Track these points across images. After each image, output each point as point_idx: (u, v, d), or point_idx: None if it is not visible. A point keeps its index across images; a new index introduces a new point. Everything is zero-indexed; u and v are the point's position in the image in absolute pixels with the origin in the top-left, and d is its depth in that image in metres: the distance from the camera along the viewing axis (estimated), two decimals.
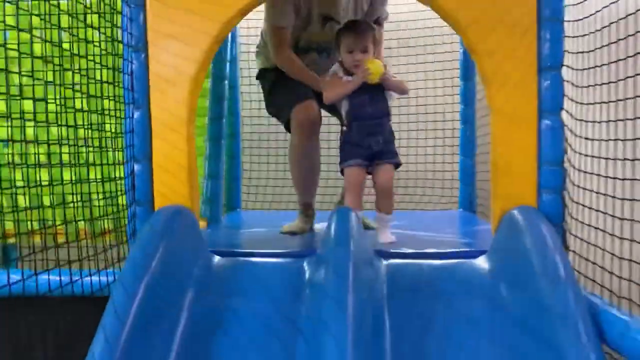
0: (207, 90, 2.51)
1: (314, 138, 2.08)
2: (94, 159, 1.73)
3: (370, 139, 1.84)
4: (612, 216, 1.45)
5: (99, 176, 1.68)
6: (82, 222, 1.71)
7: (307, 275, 1.56)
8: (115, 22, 1.70)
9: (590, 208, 1.54)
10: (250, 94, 3.07)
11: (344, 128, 1.92)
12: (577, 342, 1.17)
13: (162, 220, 1.53)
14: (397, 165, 1.91)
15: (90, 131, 1.67)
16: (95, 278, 1.56)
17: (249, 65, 3.01)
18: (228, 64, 2.66)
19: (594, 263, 1.47)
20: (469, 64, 2.71)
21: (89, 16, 1.70)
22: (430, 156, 2.93)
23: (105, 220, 1.68)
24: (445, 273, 1.56)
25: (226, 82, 2.62)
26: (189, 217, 1.63)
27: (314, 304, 1.37)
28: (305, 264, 1.61)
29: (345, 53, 1.87)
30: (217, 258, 1.67)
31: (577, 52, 1.62)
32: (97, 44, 1.68)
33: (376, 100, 1.85)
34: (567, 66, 1.61)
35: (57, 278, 1.49)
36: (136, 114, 1.69)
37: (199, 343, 1.40)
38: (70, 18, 1.60)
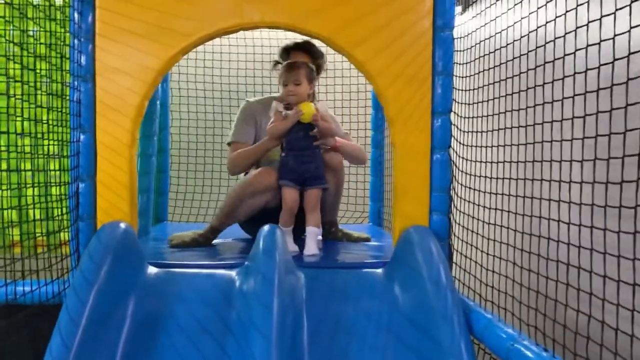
0: None
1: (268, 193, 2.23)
2: (36, 177, 1.88)
3: (303, 167, 2.15)
4: (482, 236, 1.83)
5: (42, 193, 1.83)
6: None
7: (237, 283, 1.80)
8: (63, 53, 1.85)
9: (466, 228, 1.91)
10: (180, 112, 3.26)
11: (283, 154, 2.20)
12: (452, 334, 1.51)
13: (108, 235, 1.71)
14: (325, 188, 2.21)
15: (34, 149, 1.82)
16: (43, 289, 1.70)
17: (178, 85, 3.21)
18: (160, 84, 2.83)
19: (468, 272, 1.84)
20: None
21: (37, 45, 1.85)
22: (345, 175, 3.25)
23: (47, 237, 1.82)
24: (354, 280, 1.85)
25: (158, 101, 2.80)
26: (130, 232, 1.82)
27: (244, 307, 1.61)
28: (234, 273, 1.85)
29: (282, 86, 2.16)
30: (154, 269, 1.86)
31: (462, 103, 2.00)
32: (44, 71, 1.83)
33: (310, 136, 2.16)
34: (454, 112, 1.98)
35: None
36: (82, 137, 1.85)
37: (142, 343, 1.60)
38: (20, 48, 1.75)
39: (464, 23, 2.13)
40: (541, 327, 1.36)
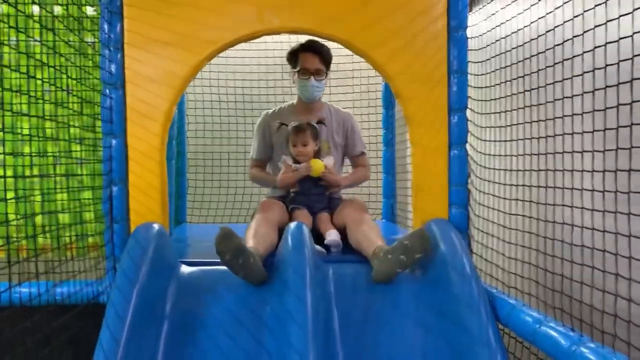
0: None
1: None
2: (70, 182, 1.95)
3: (311, 204, 2.30)
4: (503, 226, 1.91)
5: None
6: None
7: (268, 278, 1.88)
8: (96, 62, 1.93)
9: (486, 219, 1.99)
10: (196, 117, 3.33)
11: (293, 193, 2.34)
12: (479, 321, 1.59)
13: (144, 235, 1.79)
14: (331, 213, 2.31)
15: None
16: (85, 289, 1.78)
17: (194, 89, 3.28)
18: None
19: (490, 262, 1.92)
20: (390, 95, 3.15)
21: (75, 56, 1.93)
22: None
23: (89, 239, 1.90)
24: None
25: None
26: (164, 232, 1.89)
27: (277, 300, 1.69)
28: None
29: (291, 146, 2.29)
30: (187, 267, 1.94)
31: (478, 100, 2.08)
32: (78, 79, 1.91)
33: (319, 185, 2.32)
34: (470, 109, 2.06)
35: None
36: (114, 143, 1.93)
37: (181, 340, 1.67)
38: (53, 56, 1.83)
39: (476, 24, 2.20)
40: (567, 309, 1.44)
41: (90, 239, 2.12)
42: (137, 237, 1.77)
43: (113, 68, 1.92)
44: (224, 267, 1.97)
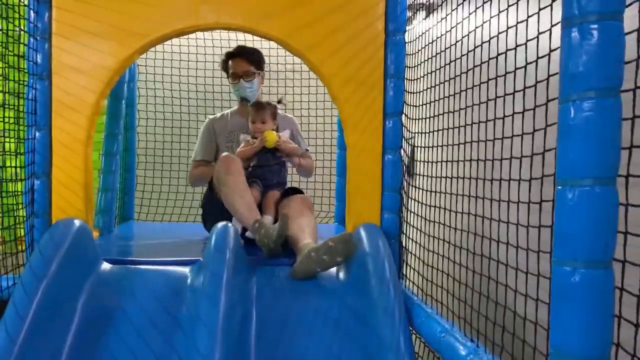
0: (105, 108, 2.70)
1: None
2: None
3: (268, 176, 2.33)
4: (427, 234, 1.89)
5: None
6: None
7: (189, 279, 1.84)
8: (19, 52, 1.88)
9: (413, 226, 1.97)
10: (147, 112, 3.28)
11: (251, 168, 2.34)
12: (392, 327, 1.57)
13: (60, 231, 1.74)
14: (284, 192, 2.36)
15: None
16: None
17: (146, 85, 3.23)
18: (126, 84, 2.86)
19: (417, 271, 1.90)
20: None
21: None
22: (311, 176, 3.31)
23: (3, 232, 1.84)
24: None
25: (124, 101, 2.82)
26: (84, 229, 1.84)
27: (193, 303, 1.66)
28: (188, 270, 1.89)
29: (250, 123, 2.34)
30: (108, 265, 1.89)
31: (411, 105, 2.06)
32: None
33: (276, 156, 2.35)
34: (405, 114, 2.04)
35: None
36: (38, 135, 1.88)
37: (90, 338, 1.62)
38: None
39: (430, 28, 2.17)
40: (475, 321, 1.42)
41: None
42: (52, 232, 1.72)
43: (39, 58, 1.87)
44: (149, 266, 1.94)
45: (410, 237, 2.00)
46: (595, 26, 0.79)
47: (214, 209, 2.25)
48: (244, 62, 2.51)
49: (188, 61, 3.32)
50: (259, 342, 1.66)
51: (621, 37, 0.80)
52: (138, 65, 3.18)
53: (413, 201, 2.01)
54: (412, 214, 2.02)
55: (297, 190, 2.42)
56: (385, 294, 1.65)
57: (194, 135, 3.32)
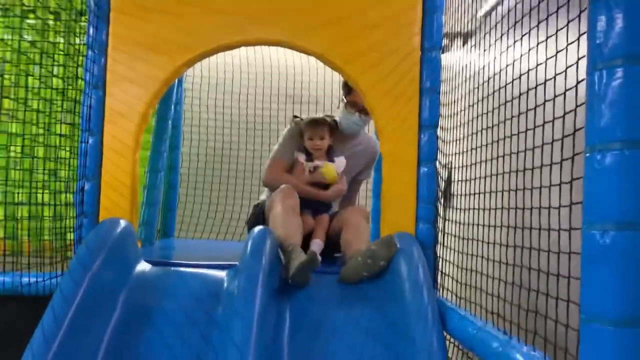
0: (152, 127, 2.84)
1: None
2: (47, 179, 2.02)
3: (317, 208, 2.34)
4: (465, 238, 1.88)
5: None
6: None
7: (226, 282, 1.88)
8: (79, 63, 2.03)
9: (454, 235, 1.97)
10: (191, 134, 3.42)
11: None
12: (425, 330, 1.56)
13: (106, 228, 1.82)
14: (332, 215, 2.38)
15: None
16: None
17: (191, 108, 3.39)
18: (173, 106, 3.01)
19: (452, 277, 1.89)
20: None
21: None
22: None
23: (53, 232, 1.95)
24: (338, 284, 1.91)
25: (170, 121, 2.96)
26: (129, 228, 1.92)
27: (228, 301, 1.69)
28: (225, 274, 1.94)
29: (307, 140, 2.36)
30: (148, 265, 1.96)
31: (447, 116, 2.10)
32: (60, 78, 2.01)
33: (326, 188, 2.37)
34: (441, 127, 2.07)
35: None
36: (90, 140, 2.00)
37: (129, 334, 1.67)
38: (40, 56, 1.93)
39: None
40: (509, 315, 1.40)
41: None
42: (98, 230, 1.81)
43: (95, 70, 2.01)
44: (187, 269, 2.00)
45: (447, 246, 2.00)
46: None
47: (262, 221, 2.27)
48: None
49: (232, 86, 3.47)
50: (292, 341, 1.67)
51: None
52: (185, 89, 3.35)
53: (449, 222, 2.01)
54: (449, 224, 2.01)
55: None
56: (419, 297, 1.65)
57: (234, 156, 3.45)
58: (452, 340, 1.71)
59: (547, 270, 1.23)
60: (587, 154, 0.86)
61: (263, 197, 2.55)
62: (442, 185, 2.14)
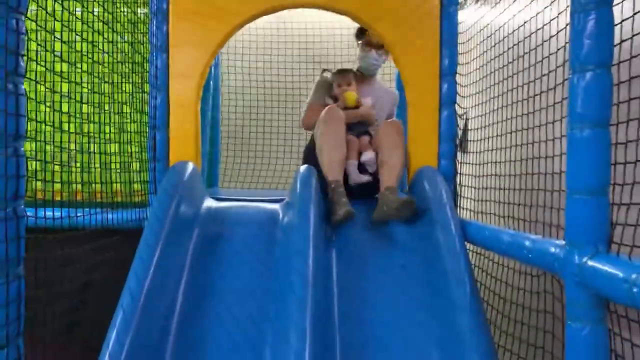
0: None
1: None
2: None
3: (355, 131, 2.51)
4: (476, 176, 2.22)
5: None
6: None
7: (280, 211, 2.24)
8: (144, 31, 2.36)
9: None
10: (229, 94, 3.76)
11: None
12: (449, 237, 1.91)
13: (177, 170, 2.18)
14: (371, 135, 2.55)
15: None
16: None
17: (227, 70, 3.71)
18: (212, 68, 3.34)
19: (467, 198, 2.24)
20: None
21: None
22: None
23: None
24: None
25: (211, 82, 3.30)
26: (195, 169, 2.28)
27: (285, 234, 2.02)
28: (278, 206, 2.30)
29: (336, 88, 2.61)
30: (213, 201, 2.33)
31: (464, 63, 2.40)
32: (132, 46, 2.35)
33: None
34: (459, 73, 2.38)
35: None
36: (159, 97, 2.34)
37: (202, 256, 2.04)
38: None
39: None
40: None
41: (135, 185, 2.52)
42: (172, 172, 2.16)
43: (159, 35, 2.34)
44: (247, 203, 2.37)
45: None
46: None
47: (313, 162, 2.42)
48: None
49: (264, 49, 3.78)
50: (338, 263, 2.03)
51: None
52: (221, 53, 3.67)
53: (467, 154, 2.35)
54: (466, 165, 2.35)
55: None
56: (443, 212, 2.00)
57: (268, 114, 3.79)
58: (471, 248, 2.06)
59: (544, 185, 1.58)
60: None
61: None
62: (460, 134, 2.46)
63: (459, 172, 2.37)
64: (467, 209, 2.26)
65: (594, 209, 1.17)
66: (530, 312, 1.72)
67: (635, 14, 1.14)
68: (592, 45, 1.16)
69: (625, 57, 1.17)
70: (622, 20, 1.16)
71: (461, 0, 2.56)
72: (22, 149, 1.19)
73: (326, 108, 2.43)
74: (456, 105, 2.39)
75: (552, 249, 1.29)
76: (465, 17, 2.47)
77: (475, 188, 2.23)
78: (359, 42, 2.73)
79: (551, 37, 1.52)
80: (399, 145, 2.33)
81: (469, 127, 2.46)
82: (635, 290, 0.96)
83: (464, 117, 2.48)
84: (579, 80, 1.18)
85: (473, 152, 2.36)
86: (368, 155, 2.42)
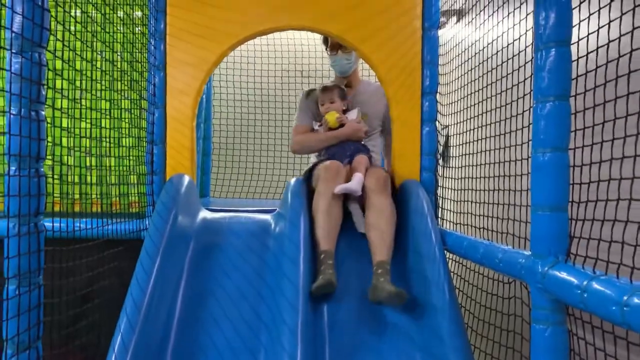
0: None
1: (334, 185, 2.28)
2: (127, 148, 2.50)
3: (346, 150, 2.55)
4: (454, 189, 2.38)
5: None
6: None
7: (272, 221, 2.38)
8: (141, 50, 2.48)
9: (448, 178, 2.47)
10: (220, 107, 3.89)
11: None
12: (430, 246, 2.06)
13: (174, 183, 2.30)
14: (370, 156, 2.57)
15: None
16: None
17: (219, 85, 3.85)
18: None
19: (447, 209, 2.39)
20: None
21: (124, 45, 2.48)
22: None
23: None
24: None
25: (203, 96, 3.42)
26: (191, 182, 2.41)
27: (278, 243, 2.17)
28: (270, 216, 2.43)
29: (320, 106, 2.65)
30: (208, 212, 2.46)
31: (444, 84, 2.57)
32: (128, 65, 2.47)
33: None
34: (439, 93, 2.55)
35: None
36: (157, 112, 2.47)
37: (199, 264, 2.17)
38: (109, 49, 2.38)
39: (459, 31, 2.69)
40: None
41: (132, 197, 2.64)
42: (169, 185, 2.28)
43: (157, 55, 2.47)
44: (240, 213, 2.50)
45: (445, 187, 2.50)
46: None
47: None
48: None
49: (254, 64, 3.92)
50: None
51: None
52: None
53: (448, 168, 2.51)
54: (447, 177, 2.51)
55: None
56: (424, 223, 2.15)
57: (258, 126, 3.93)
58: (450, 257, 2.21)
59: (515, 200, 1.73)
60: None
61: (313, 159, 2.76)
62: (441, 149, 2.62)
63: (440, 185, 2.53)
64: (447, 220, 2.41)
65: (555, 224, 1.32)
66: (502, 316, 1.87)
67: (589, 52, 1.30)
68: (551, 79, 1.31)
69: (580, 90, 1.33)
70: (578, 58, 1.32)
71: (442, 20, 2.73)
72: (42, 169, 1.32)
73: (325, 165, 2.35)
74: (437, 122, 2.55)
75: (520, 259, 1.44)
76: (445, 36, 2.64)
77: (454, 201, 2.38)
78: (326, 49, 2.79)
79: (520, 67, 1.68)
80: (385, 209, 2.22)
81: (450, 144, 2.62)
82: (585, 295, 1.11)
83: (445, 131, 2.64)
84: (541, 109, 1.33)
85: (452, 167, 2.52)
86: (357, 178, 2.30)
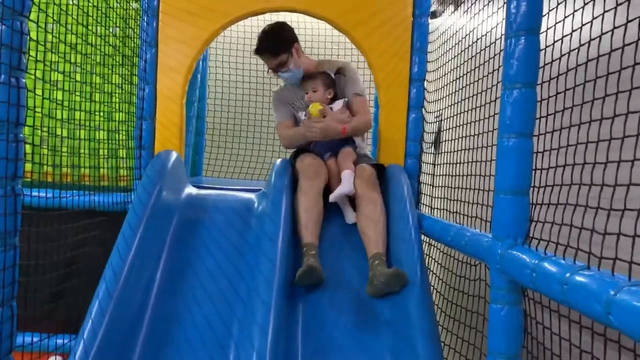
0: None
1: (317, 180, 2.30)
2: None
3: (330, 143, 2.43)
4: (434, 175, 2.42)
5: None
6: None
7: (256, 200, 2.42)
8: (134, 26, 2.51)
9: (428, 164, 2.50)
10: (215, 87, 3.92)
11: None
12: (406, 228, 2.10)
13: (162, 158, 2.35)
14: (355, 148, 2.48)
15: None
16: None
17: (215, 64, 3.87)
18: (201, 62, 3.49)
19: (426, 195, 2.44)
20: None
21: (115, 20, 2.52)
22: None
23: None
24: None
25: (198, 75, 3.46)
26: (178, 158, 2.45)
27: (259, 221, 2.22)
28: (254, 195, 2.48)
29: (305, 95, 2.51)
30: (194, 189, 2.50)
31: (432, 71, 2.59)
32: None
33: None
34: (427, 80, 2.57)
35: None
36: (147, 88, 2.51)
37: (182, 239, 2.22)
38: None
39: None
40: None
41: (121, 171, 2.68)
42: (156, 160, 2.32)
43: (149, 31, 2.50)
44: (225, 191, 2.54)
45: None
46: None
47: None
48: (270, 58, 2.52)
49: (250, 45, 3.93)
50: None
51: None
52: (210, 47, 3.82)
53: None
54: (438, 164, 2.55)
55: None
56: (403, 207, 2.19)
57: (252, 107, 3.96)
58: (427, 240, 2.25)
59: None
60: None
61: None
62: (433, 136, 2.64)
63: (429, 172, 2.57)
64: (426, 205, 2.46)
65: (516, 207, 1.36)
66: (469, 297, 1.92)
67: (555, 41, 1.33)
68: (520, 66, 1.34)
69: (547, 78, 1.36)
70: (546, 47, 1.35)
71: (437, 9, 2.75)
72: (22, 135, 1.36)
73: (305, 162, 2.33)
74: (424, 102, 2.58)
75: (484, 242, 1.48)
76: (437, 25, 2.66)
77: (434, 186, 2.43)
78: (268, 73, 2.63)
79: (495, 55, 1.71)
80: (377, 203, 2.23)
81: (443, 128, 2.64)
82: (534, 275, 1.15)
83: (439, 118, 2.66)
84: (508, 96, 1.37)
85: (432, 154, 2.55)
86: (346, 175, 2.28)
